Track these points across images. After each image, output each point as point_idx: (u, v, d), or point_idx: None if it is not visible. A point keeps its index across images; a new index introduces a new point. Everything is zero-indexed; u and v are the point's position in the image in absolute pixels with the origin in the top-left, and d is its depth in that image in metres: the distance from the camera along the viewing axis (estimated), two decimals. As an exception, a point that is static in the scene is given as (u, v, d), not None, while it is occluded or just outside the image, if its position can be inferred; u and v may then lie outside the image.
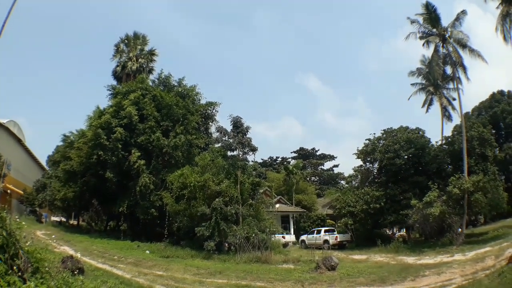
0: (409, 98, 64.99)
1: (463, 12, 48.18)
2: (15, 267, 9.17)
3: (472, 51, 47.55)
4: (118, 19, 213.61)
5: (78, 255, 22.89)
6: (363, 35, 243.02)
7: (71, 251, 29.72)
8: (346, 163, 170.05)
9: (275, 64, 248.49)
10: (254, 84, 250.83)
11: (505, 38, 45.19)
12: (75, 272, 15.62)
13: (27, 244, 10.62)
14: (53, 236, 38.63)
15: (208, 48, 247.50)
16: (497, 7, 45.96)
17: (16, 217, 13.41)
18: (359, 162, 60.20)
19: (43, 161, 78.70)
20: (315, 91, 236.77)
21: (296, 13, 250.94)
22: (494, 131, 59.75)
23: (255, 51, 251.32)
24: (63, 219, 72.49)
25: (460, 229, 42.40)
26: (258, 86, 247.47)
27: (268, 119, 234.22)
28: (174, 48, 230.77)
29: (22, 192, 60.49)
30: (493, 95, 74.72)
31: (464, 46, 47.86)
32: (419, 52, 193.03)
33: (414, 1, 62.21)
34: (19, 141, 64.78)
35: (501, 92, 74.89)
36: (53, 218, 71.33)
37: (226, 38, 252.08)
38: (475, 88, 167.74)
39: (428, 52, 52.01)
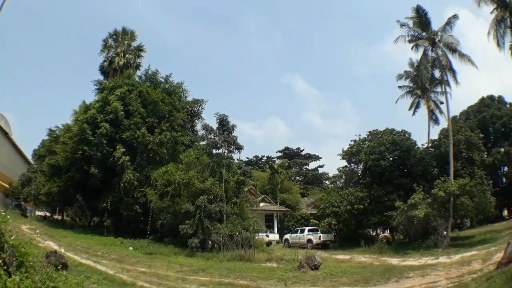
0: (396, 101, 65.15)
1: (455, 17, 48.38)
2: (0, 261, 9.18)
3: (462, 55, 47.80)
4: (107, 14, 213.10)
5: (62, 250, 22.87)
6: (350, 38, 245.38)
7: (55, 246, 29.73)
8: (331, 164, 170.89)
9: (262, 65, 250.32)
10: (241, 84, 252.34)
11: (498, 44, 45.39)
12: (59, 267, 15.59)
13: (12, 238, 10.63)
14: (38, 231, 38.28)
15: (196, 47, 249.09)
16: (491, 12, 46.13)
17: (1, 210, 13.40)
18: (344, 163, 60.66)
19: (28, 155, 78.36)
20: (301, 92, 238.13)
21: (283, 16, 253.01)
22: (482, 136, 60.49)
23: (243, 51, 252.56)
24: (48, 214, 72.23)
25: (445, 232, 42.62)
26: (245, 86, 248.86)
27: (254, 118, 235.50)
28: (162, 46, 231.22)
29: (7, 186, 60.18)
30: (482, 100, 75.58)
31: (454, 50, 48.13)
32: (406, 55, 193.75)
33: (401, 5, 62.46)
34: (5, 135, 64.36)
35: (491, 97, 75.82)
36: (38, 213, 71.01)
37: (213, 38, 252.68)
38: (464, 92, 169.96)
39: (417, 55, 52.15)
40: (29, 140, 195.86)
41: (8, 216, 11.83)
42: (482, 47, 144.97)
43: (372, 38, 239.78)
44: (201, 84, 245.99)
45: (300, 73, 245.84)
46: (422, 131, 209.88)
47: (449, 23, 48.34)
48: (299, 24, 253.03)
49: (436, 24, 49.19)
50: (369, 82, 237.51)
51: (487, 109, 73.11)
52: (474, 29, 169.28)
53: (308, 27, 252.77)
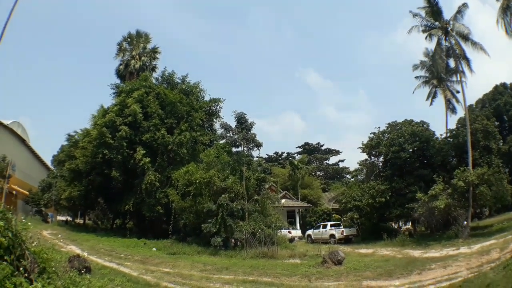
0: (413, 91, 64.75)
1: (464, 5, 47.84)
2: (21, 268, 9.19)
3: (474, 44, 47.50)
4: (120, 18, 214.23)
5: (85, 254, 22.92)
6: (362, 29, 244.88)
7: (77, 250, 29.53)
8: (349, 157, 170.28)
9: (274, 60, 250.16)
10: (254, 80, 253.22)
11: (506, 31, 44.97)
12: (82, 271, 15.64)
13: (33, 244, 10.66)
14: (59, 236, 38.59)
15: (208, 45, 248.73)
16: (497, 0, 45.80)
17: (22, 217, 13.44)
18: (364, 156, 60.38)
19: (48, 161, 78.73)
20: (315, 85, 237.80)
21: (293, 8, 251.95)
22: (497, 124, 59.70)
23: (254, 47, 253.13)
24: (69, 219, 72.75)
25: (465, 222, 42.18)
26: (258, 81, 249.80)
27: (269, 114, 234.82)
28: (175, 46, 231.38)
29: (27, 193, 60.47)
30: (496, 88, 74.96)
31: (466, 39, 47.84)
32: (419, 45, 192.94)
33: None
34: (23, 142, 64.76)
35: (503, 85, 75.11)
36: (59, 218, 71.49)
37: (225, 35, 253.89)
38: (477, 80, 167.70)
39: (431, 45, 51.95)
40: (48, 146, 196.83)
41: (29, 223, 11.84)
42: (490, 34, 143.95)
43: (384, 28, 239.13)
44: (215, 82, 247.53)
45: (313, 66, 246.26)
46: (438, 121, 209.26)
47: (460, 11, 47.94)
48: (310, 16, 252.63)
49: (447, 13, 48.70)
50: (383, 72, 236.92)
51: (501, 96, 72.49)
52: (481, 16, 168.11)
53: (319, 20, 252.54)
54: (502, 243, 29.45)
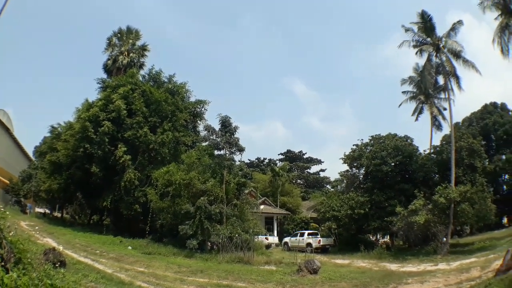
0: (399, 106, 65.04)
1: (459, 22, 48.20)
2: (-2, 257, 9.11)
3: (466, 61, 47.70)
4: (111, 12, 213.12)
5: (61, 248, 22.79)
6: (350, 41, 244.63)
7: (53, 244, 29.53)
8: (330, 167, 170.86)
9: (262, 66, 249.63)
10: (241, 85, 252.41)
11: (502, 51, 45.34)
12: (57, 265, 15.42)
13: (10, 234, 10.58)
14: (37, 228, 38.44)
15: (196, 46, 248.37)
16: (496, 18, 46.07)
17: (1, 206, 13.34)
18: (345, 167, 60.70)
19: (30, 151, 78.51)
20: (300, 94, 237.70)
21: (283, 16, 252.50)
22: (484, 143, 60.35)
23: (243, 51, 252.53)
24: (47, 211, 72.37)
25: (445, 239, 42.64)
26: (245, 87, 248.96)
27: (254, 120, 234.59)
28: (164, 45, 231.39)
29: (8, 182, 60.23)
30: (485, 107, 75.49)
31: (458, 56, 48.02)
32: (407, 59, 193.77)
33: (403, 9, 62.47)
34: (7, 131, 64.45)
35: (494, 104, 75.65)
36: (38, 210, 70.97)
37: (214, 37, 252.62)
38: (466, 97, 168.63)
39: (421, 60, 52.18)
40: (30, 137, 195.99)
41: (8, 212, 11.76)
42: (484, 53, 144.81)
43: (372, 41, 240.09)
44: (201, 83, 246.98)
45: (300, 76, 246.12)
46: (423, 136, 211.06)
47: (454, 28, 48.18)
48: (299, 26, 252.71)
49: (439, 30, 49.00)
50: (369, 85, 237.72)
51: (490, 116, 73.07)
52: (476, 34, 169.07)
53: (309, 30, 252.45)
54: (484, 262, 29.48)
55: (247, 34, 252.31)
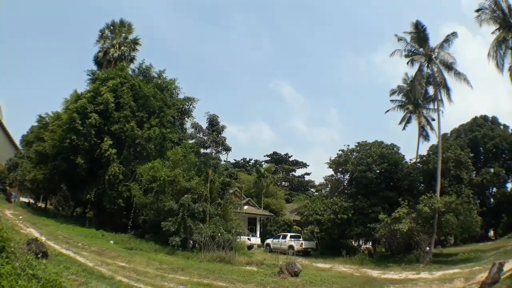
0: (386, 112, 65.62)
1: (453, 34, 48.28)
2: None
3: (457, 74, 47.78)
4: (105, 4, 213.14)
5: (43, 238, 23.02)
6: (339, 48, 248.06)
7: (36, 234, 29.94)
8: (315, 171, 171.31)
9: (250, 67, 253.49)
10: (229, 85, 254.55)
11: (497, 65, 45.49)
12: (39, 256, 15.85)
13: (-5, 222, 10.64)
14: (21, 217, 38.76)
15: (186, 44, 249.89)
16: (493, 32, 46.19)
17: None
18: (330, 172, 60.84)
19: (17, 140, 78.27)
20: (288, 98, 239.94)
21: (272, 19, 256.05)
22: (472, 155, 60.60)
23: (231, 52, 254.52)
24: (32, 201, 72.02)
25: (428, 248, 42.84)
26: (233, 87, 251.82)
27: (240, 120, 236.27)
28: (154, 41, 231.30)
29: (-6, 169, 60.14)
30: (475, 119, 76.05)
31: (450, 68, 48.12)
32: (396, 69, 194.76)
33: (394, 18, 62.56)
34: (-4, 118, 64.37)
35: (484, 117, 76.23)
36: (22, 199, 70.87)
37: (204, 36, 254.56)
38: (455, 109, 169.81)
39: (412, 70, 52.70)
40: (18, 125, 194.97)
41: (-7, 201, 11.80)
42: (476, 65, 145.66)
43: (362, 48, 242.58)
44: (188, 82, 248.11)
45: (288, 79, 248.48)
46: (409, 145, 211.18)
47: (447, 40, 48.26)
48: (289, 30, 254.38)
49: (432, 41, 49.05)
50: (356, 92, 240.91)
51: (480, 128, 73.55)
52: (469, 46, 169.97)
53: (298, 35, 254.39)
54: (468, 273, 29.55)
55: (237, 34, 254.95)
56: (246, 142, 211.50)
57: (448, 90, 48.79)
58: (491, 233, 74.31)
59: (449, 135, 75.32)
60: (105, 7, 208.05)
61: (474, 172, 60.73)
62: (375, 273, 34.27)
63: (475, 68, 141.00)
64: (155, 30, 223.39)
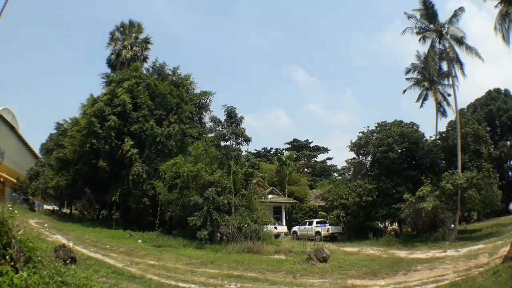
0: (404, 92, 64.91)
1: (461, 9, 48.23)
2: (7, 257, 9.13)
3: (468, 48, 47.73)
4: (113, 7, 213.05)
5: (71, 244, 23.00)
6: (349, 29, 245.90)
7: (63, 240, 29.70)
8: (337, 155, 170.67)
9: (261, 55, 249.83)
10: (241, 74, 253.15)
11: (504, 38, 45.11)
12: (67, 261, 15.43)
13: (19, 233, 10.61)
14: (46, 225, 38.33)
15: (195, 37, 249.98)
16: (496, 6, 45.83)
17: (9, 205, 13.37)
18: (352, 155, 60.94)
19: (36, 149, 78.39)
20: (302, 83, 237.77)
21: (279, 4, 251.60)
22: (489, 129, 59.98)
23: (241, 41, 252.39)
24: (56, 208, 72.31)
25: (453, 225, 42.66)
26: (246, 77, 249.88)
27: (256, 110, 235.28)
28: (164, 38, 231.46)
29: (15, 181, 60.20)
30: (489, 93, 75.10)
31: (460, 43, 48.08)
32: (408, 47, 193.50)
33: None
34: (12, 129, 64.44)
35: (497, 90, 75.28)
36: (46, 207, 71.15)
37: (212, 28, 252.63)
38: (468, 85, 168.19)
39: (424, 47, 52.34)
40: (36, 134, 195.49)
41: (16, 211, 11.76)
42: (484, 39, 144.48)
43: (371, 29, 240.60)
44: (201, 76, 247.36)
45: (300, 64, 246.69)
46: (427, 123, 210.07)
47: (456, 15, 48.20)
48: (296, 14, 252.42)
49: (441, 16, 48.95)
50: (371, 72, 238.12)
51: (494, 102, 72.76)
52: (476, 21, 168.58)
53: (305, 18, 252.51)
54: (491, 248, 29.47)
55: (244, 23, 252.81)
56: (264, 131, 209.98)
57: (461, 64, 48.75)
58: (511, 206, 73.82)
59: (465, 110, 74.46)
60: (111, 10, 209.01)
61: (492, 146, 60.29)
62: (402, 253, 34.25)
63: (483, 42, 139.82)
64: (163, 27, 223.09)
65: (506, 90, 75.45)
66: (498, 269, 18.48)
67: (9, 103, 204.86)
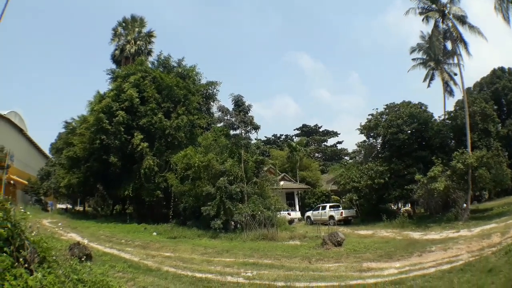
0: (408, 71, 65.15)
1: (461, -12, 47.84)
2: (21, 259, 9.09)
3: (471, 27, 47.44)
4: (113, 3, 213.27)
5: (85, 241, 23.08)
6: (349, 11, 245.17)
7: (78, 238, 29.62)
8: (347, 139, 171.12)
9: (263, 43, 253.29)
10: (247, 64, 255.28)
11: (504, 17, 44.94)
12: (83, 259, 15.33)
13: (32, 234, 10.56)
14: (60, 224, 38.46)
15: (197, 28, 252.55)
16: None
17: (21, 207, 13.39)
18: (362, 138, 60.71)
19: (46, 149, 78.76)
20: (306, 68, 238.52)
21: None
22: (496, 107, 59.72)
23: (242, 30, 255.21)
24: (69, 206, 72.82)
25: (465, 205, 42.54)
26: (250, 66, 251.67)
27: (262, 97, 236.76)
28: (165, 31, 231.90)
29: (26, 182, 60.50)
30: (494, 71, 74.94)
31: (463, 22, 47.78)
32: (411, 27, 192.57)
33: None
34: (21, 131, 64.70)
35: (501, 69, 75.11)
36: (59, 206, 71.51)
37: (213, 18, 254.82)
38: (473, 64, 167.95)
39: (428, 27, 52.09)
40: (45, 135, 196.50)
41: (28, 212, 11.75)
42: (483, 19, 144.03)
43: (372, 10, 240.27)
44: (205, 66, 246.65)
45: (304, 49, 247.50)
46: (434, 103, 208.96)
47: (457, -6, 47.80)
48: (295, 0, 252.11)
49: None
50: (375, 54, 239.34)
51: (499, 80, 72.55)
52: (476, 0, 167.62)
53: (305, 4, 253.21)
54: (503, 227, 29.44)
55: (244, 12, 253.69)
56: (272, 118, 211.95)
57: (465, 44, 48.45)
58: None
59: (472, 89, 74.36)
60: (111, 5, 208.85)
61: (500, 124, 60.05)
62: (416, 234, 34.28)
63: (485, 22, 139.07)
64: (164, 20, 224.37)
65: (509, 69, 75.14)
66: (510, 249, 18.52)
67: (16, 107, 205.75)
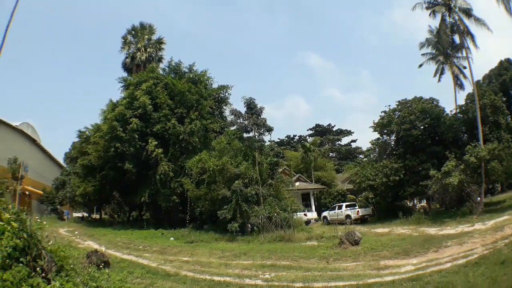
0: (420, 66, 64.77)
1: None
2: (38, 269, 9.16)
3: (477, 20, 47.45)
4: (122, 12, 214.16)
5: (103, 248, 23.17)
6: (356, 10, 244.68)
7: (95, 245, 30.00)
8: (361, 137, 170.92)
9: (272, 44, 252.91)
10: (257, 66, 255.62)
11: (506, 9, 44.88)
12: (101, 266, 15.66)
13: (49, 243, 10.64)
14: (76, 232, 38.89)
15: (204, 32, 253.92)
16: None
17: (37, 217, 13.48)
18: (376, 135, 60.25)
19: (60, 159, 79.18)
20: (317, 67, 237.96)
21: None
22: (505, 99, 59.53)
23: (250, 32, 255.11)
24: (85, 214, 73.19)
25: (479, 198, 42.35)
26: (260, 68, 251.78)
27: (273, 99, 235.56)
28: (175, 37, 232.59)
29: (41, 192, 60.91)
30: (501, 63, 74.38)
31: (469, 15, 47.83)
32: (418, 23, 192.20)
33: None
34: (34, 142, 65.11)
35: (508, 60, 74.49)
36: (75, 214, 72.02)
37: (220, 21, 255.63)
38: (480, 57, 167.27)
39: (435, 22, 52.21)
40: (59, 144, 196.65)
41: (44, 222, 11.86)
42: (488, 11, 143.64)
43: (381, 6, 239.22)
44: (216, 70, 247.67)
45: (313, 49, 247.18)
46: (445, 98, 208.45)
47: (461, -13, 47.79)
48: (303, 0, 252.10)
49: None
50: (384, 51, 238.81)
51: (506, 72, 72.25)
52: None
53: (312, 3, 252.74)
54: (515, 220, 29.34)
55: (253, 14, 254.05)
56: (285, 119, 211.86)
57: (472, 36, 48.56)
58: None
59: (481, 81, 74.00)
60: (119, 14, 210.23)
61: (509, 116, 59.92)
62: (432, 230, 34.14)
63: (486, 13, 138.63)
64: (173, 26, 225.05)
65: (515, 60, 74.95)
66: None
67: (28, 118, 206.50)
